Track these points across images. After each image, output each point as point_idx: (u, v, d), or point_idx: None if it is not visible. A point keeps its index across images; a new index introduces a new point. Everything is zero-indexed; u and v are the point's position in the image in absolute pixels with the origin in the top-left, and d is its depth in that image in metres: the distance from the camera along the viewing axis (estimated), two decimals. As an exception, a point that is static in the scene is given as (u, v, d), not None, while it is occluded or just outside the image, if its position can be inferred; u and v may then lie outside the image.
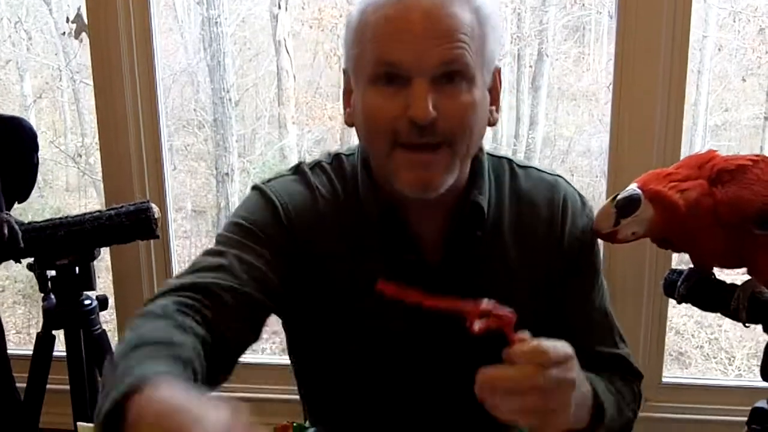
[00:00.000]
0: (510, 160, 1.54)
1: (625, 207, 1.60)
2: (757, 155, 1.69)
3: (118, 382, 1.00)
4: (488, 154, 1.52)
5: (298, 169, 1.51)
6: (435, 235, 1.45)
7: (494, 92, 1.42)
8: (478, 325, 1.14)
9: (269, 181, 1.49)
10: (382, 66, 1.31)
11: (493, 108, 1.42)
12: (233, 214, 1.47)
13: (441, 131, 1.30)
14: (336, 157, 1.52)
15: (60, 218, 2.09)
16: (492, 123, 1.43)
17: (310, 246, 1.44)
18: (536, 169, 1.55)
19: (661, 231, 1.66)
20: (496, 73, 1.42)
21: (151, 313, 1.22)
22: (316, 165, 1.52)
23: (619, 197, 1.61)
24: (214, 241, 1.43)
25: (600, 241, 1.59)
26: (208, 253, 1.39)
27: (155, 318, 1.20)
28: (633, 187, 1.63)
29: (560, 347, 1.16)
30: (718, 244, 1.65)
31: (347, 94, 1.45)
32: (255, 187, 1.49)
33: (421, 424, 1.54)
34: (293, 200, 1.45)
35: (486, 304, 1.15)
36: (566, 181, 1.56)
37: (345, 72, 1.45)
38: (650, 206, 1.60)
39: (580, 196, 1.56)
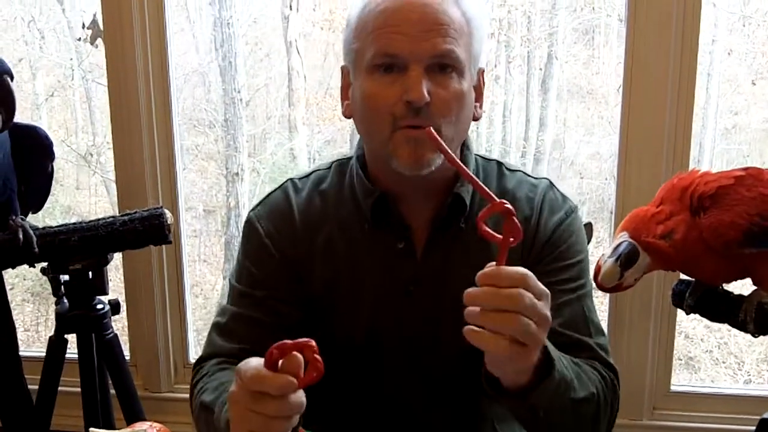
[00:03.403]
0: (500, 163, 1.64)
1: (627, 263, 1.68)
2: (744, 169, 1.70)
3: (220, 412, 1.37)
4: (480, 156, 1.63)
5: (283, 184, 1.66)
6: (423, 226, 1.55)
7: (478, 90, 1.55)
8: (485, 227, 1.15)
9: (258, 205, 1.66)
10: (382, 57, 1.43)
11: (477, 105, 1.55)
12: (238, 254, 1.66)
13: (433, 114, 1.42)
14: (336, 163, 1.66)
15: (74, 224, 2.11)
16: (476, 118, 1.55)
17: (303, 250, 1.58)
18: (523, 172, 1.64)
19: (661, 268, 1.73)
20: (480, 73, 1.55)
21: (208, 373, 1.54)
22: (312, 173, 1.66)
23: (621, 257, 1.68)
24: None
25: (581, 239, 1.63)
26: (219, 314, 1.63)
27: (210, 376, 1.53)
28: (626, 239, 1.70)
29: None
30: (716, 266, 1.68)
31: (345, 88, 1.56)
32: (246, 220, 1.65)
33: (406, 418, 1.62)
34: (275, 219, 1.61)
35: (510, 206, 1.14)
36: (551, 183, 1.63)
37: (343, 69, 1.56)
38: (646, 254, 1.68)
39: (563, 195, 1.62)
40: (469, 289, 1.15)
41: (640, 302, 2.55)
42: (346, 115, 1.56)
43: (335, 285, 1.56)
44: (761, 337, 1.79)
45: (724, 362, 3.99)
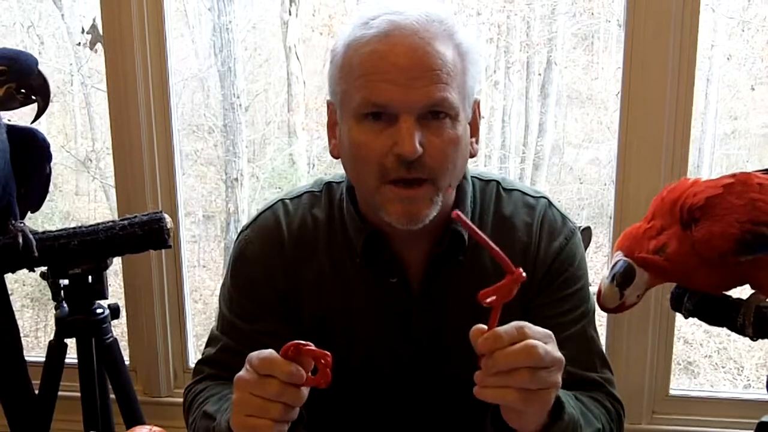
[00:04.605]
0: (498, 183, 1.57)
1: (624, 281, 1.70)
2: (732, 175, 1.70)
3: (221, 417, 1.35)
4: (477, 178, 1.56)
5: (273, 205, 1.59)
6: (418, 260, 1.50)
7: (474, 125, 1.46)
8: (489, 299, 1.14)
9: (247, 227, 1.59)
10: (369, 106, 1.35)
11: (473, 140, 1.47)
12: (227, 275, 1.61)
13: (427, 166, 1.35)
14: (326, 186, 1.58)
15: (74, 228, 2.11)
16: (472, 155, 1.47)
17: (293, 281, 1.53)
18: (521, 191, 1.57)
19: (661, 282, 1.75)
20: (476, 105, 1.46)
21: (204, 389, 1.53)
22: (304, 194, 1.59)
23: (616, 276, 1.70)
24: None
25: (581, 263, 1.58)
26: (210, 342, 1.61)
27: (209, 390, 1.52)
28: (621, 258, 1.72)
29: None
30: (712, 277, 1.69)
31: (332, 126, 1.49)
32: (235, 242, 1.60)
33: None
34: (265, 246, 1.55)
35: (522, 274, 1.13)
36: (549, 202, 1.57)
37: (330, 104, 1.49)
38: (644, 270, 1.69)
39: (562, 216, 1.56)
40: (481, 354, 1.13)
41: (639, 307, 2.54)
42: (334, 156, 1.49)
43: (327, 318, 1.53)
44: (761, 342, 1.79)
45: (723, 367, 3.99)
